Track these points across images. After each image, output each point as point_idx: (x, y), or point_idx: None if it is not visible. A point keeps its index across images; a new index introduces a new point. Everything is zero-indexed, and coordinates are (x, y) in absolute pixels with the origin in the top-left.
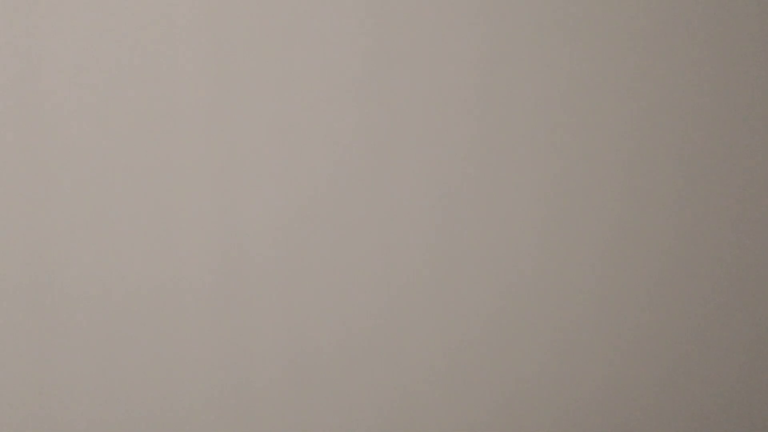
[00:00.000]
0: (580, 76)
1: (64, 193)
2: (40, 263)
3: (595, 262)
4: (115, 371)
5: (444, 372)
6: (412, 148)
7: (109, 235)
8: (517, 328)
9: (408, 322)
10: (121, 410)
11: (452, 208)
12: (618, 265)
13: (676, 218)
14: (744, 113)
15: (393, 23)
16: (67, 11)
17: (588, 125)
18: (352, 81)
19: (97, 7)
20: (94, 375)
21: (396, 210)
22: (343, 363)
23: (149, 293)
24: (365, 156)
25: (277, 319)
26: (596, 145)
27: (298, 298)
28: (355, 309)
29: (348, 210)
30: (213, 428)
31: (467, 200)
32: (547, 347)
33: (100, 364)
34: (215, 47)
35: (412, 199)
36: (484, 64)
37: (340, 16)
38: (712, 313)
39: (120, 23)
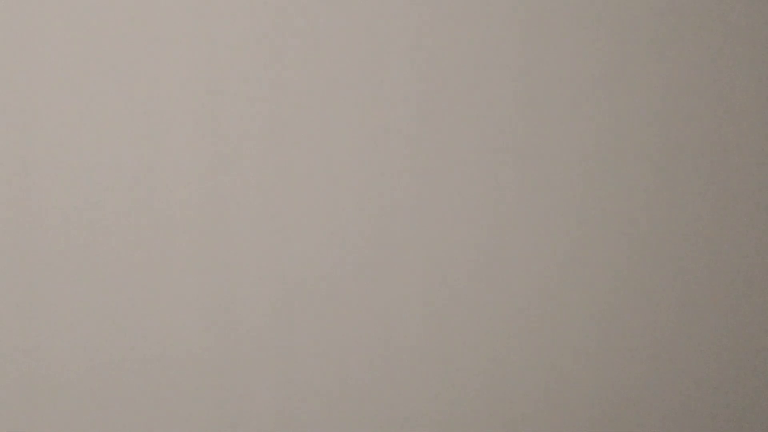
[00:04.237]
0: (582, 79)
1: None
2: (27, 327)
3: (598, 264)
4: (105, 428)
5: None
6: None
7: (99, 296)
8: (523, 345)
9: (404, 380)
10: None
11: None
12: (621, 267)
13: (677, 221)
14: (748, 114)
15: (393, 24)
16: (60, 12)
17: (589, 126)
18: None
19: (92, 8)
20: None
21: (396, 259)
22: (338, 424)
23: (140, 354)
24: (364, 199)
25: (270, 376)
26: (597, 147)
27: (292, 358)
28: (351, 368)
29: (342, 268)
30: None
31: (462, 225)
32: (548, 352)
33: (92, 425)
34: (214, 59)
35: (410, 271)
36: (493, 67)
37: (336, 21)
38: (715, 317)
39: (115, 27)
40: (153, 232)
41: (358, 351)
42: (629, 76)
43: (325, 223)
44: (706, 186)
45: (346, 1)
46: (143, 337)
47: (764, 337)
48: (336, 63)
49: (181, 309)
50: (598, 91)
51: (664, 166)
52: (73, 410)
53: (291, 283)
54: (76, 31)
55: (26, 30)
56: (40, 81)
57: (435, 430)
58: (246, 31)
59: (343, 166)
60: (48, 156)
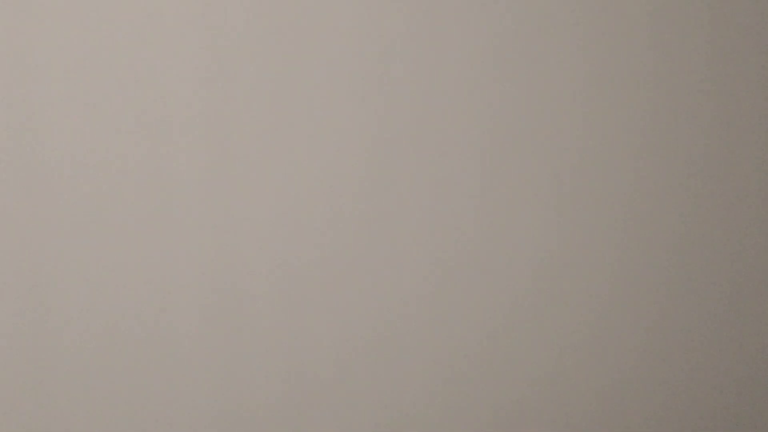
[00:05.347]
0: (581, 78)
1: (53, 236)
2: (27, 313)
3: (599, 265)
4: (110, 416)
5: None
6: (417, 187)
7: (101, 278)
8: (520, 337)
9: (405, 359)
10: None
11: (453, 243)
12: (623, 267)
13: (680, 222)
14: (749, 115)
15: (394, 23)
16: (62, 11)
17: (591, 126)
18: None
19: (93, 7)
20: (90, 422)
21: (395, 250)
22: (341, 406)
23: (142, 337)
24: (363, 192)
25: (274, 360)
26: (598, 147)
27: (295, 339)
28: (352, 351)
29: (344, 246)
30: None
31: (468, 218)
32: (549, 353)
33: (96, 411)
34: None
35: (412, 240)
36: (489, 64)
37: (340, 18)
38: (717, 319)
39: (117, 25)
40: (158, 223)
41: (358, 342)
42: (627, 74)
43: (327, 211)
44: (705, 185)
45: (347, 1)
46: (148, 329)
47: (764, 334)
48: (336, 60)
49: (186, 299)
50: (595, 89)
51: (665, 162)
52: (78, 395)
53: (294, 272)
54: (82, 29)
55: (31, 28)
56: (46, 79)
57: (436, 417)
58: (250, 25)
59: (344, 157)
60: (55, 151)
